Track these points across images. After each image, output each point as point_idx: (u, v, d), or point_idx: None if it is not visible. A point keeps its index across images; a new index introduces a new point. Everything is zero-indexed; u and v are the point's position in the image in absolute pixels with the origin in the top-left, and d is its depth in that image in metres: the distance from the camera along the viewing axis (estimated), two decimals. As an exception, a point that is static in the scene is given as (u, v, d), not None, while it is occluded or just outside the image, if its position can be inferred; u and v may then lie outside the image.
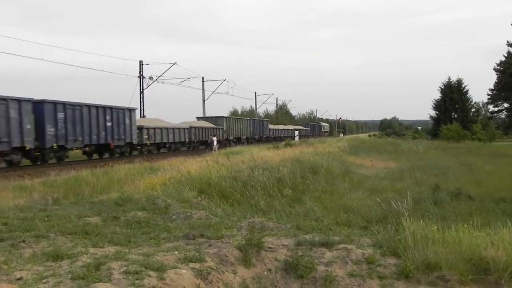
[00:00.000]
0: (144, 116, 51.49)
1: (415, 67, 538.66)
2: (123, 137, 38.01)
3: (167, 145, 46.70)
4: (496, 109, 79.21)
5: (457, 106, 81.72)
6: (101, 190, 15.49)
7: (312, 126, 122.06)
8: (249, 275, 7.21)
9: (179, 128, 48.64)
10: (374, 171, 26.47)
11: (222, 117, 62.42)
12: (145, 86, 53.92)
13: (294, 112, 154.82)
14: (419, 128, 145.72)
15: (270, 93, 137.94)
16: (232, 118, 67.80)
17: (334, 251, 7.91)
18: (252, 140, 67.79)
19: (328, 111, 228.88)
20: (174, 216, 11.42)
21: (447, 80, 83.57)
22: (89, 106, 33.83)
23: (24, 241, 8.06)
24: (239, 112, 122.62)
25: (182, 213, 11.73)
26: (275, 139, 72.66)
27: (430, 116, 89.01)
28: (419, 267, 7.21)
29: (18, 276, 6.08)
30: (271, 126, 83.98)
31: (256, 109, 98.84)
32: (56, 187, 16.27)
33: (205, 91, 66.16)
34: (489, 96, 76.92)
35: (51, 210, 11.64)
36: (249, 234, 7.97)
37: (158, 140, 44.44)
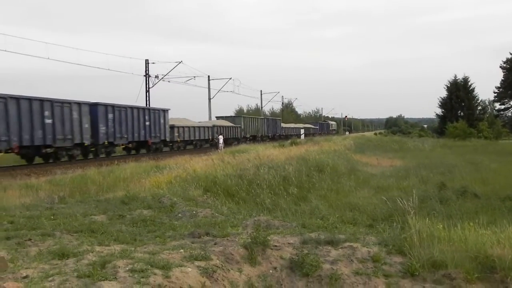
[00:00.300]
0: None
1: (421, 65, 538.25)
2: (158, 135, 42.39)
3: (193, 142, 50.06)
4: (503, 107, 79.03)
5: (463, 104, 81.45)
6: (107, 189, 15.53)
7: (321, 125, 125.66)
8: (254, 273, 7.21)
9: (204, 127, 52.78)
10: (380, 169, 26.44)
11: (240, 116, 66.90)
12: (151, 85, 53.92)
13: (299, 110, 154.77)
14: (425, 126, 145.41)
15: (276, 91, 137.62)
16: (249, 117, 70.97)
17: (340, 250, 7.90)
18: (266, 138, 70.26)
19: (334, 109, 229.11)
20: (179, 215, 11.43)
21: (453, 78, 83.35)
22: (132, 108, 38.79)
23: (30, 239, 8.09)
24: (245, 111, 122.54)
25: (187, 211, 11.74)
26: (287, 137, 74.84)
27: (436, 114, 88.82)
28: (425, 265, 7.19)
29: (24, 274, 6.10)
30: (283, 125, 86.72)
31: (261, 107, 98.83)
32: (62, 186, 16.33)
33: (210, 90, 66.21)
34: (496, 94, 76.80)
35: (57, 208, 11.68)
36: (255, 232, 7.97)
37: (186, 138, 48.20)
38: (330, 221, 10.80)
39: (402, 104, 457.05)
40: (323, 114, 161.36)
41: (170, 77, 55.94)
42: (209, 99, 65.81)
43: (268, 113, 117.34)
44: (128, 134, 37.56)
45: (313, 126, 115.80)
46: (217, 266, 6.86)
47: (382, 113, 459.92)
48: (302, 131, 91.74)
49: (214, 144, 48.87)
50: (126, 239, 8.35)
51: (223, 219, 10.85)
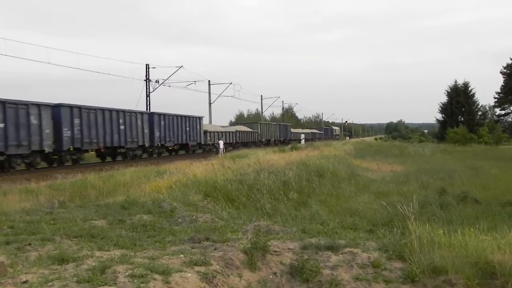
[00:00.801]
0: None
1: (421, 70, 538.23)
2: (195, 138, 49.47)
3: (217, 148, 53.00)
4: (503, 112, 79.00)
5: (463, 109, 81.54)
6: (107, 193, 15.52)
7: (325, 130, 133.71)
8: (254, 279, 7.20)
9: (229, 132, 60.02)
10: (380, 175, 26.44)
11: (257, 123, 74.68)
12: (151, 90, 53.90)
13: (300, 115, 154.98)
14: (426, 131, 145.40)
15: (276, 96, 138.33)
16: (264, 123, 79.68)
17: (340, 255, 7.89)
18: (277, 142, 76.42)
19: (334, 114, 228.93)
20: (179, 220, 11.42)
21: (454, 83, 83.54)
22: (178, 116, 45.75)
23: (30, 244, 8.09)
24: (245, 116, 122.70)
25: (187, 216, 11.73)
26: (295, 140, 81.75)
27: (437, 119, 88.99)
28: (425, 271, 7.18)
29: (24, 279, 6.09)
30: (292, 130, 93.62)
31: (262, 112, 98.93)
32: (62, 190, 16.31)
33: (211, 95, 66.29)
34: (496, 99, 76.77)
35: (57, 213, 11.67)
36: (255, 238, 7.96)
37: (212, 142, 54.25)
38: (330, 226, 10.79)
39: (403, 109, 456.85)
40: (323, 119, 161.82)
41: (170, 81, 55.98)
42: (210, 104, 65.90)
43: (268, 118, 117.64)
44: (175, 138, 44.90)
45: (318, 131, 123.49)
46: (217, 272, 6.85)
47: (383, 118, 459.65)
48: (303, 136, 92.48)
49: (213, 150, 49.12)
50: (126, 244, 8.34)
51: (223, 224, 10.84)
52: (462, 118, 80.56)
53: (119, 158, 36.86)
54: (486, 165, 29.58)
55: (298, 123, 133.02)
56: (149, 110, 50.03)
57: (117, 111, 36.04)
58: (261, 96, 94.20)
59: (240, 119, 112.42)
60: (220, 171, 19.69)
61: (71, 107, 30.64)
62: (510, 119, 78.92)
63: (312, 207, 15.01)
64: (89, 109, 32.73)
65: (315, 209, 14.63)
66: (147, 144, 39.96)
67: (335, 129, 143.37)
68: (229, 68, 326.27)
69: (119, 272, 6.30)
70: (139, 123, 38.64)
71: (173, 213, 12.03)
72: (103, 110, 34.27)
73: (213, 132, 55.20)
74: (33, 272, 6.40)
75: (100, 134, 33.50)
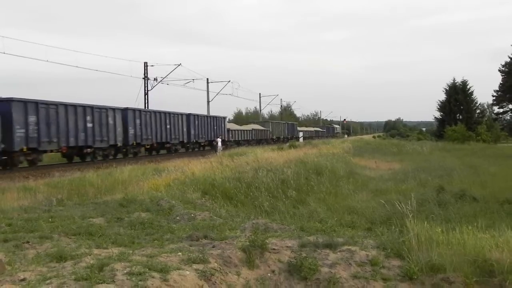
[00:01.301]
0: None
1: (419, 68, 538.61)
2: (219, 136, 53.06)
3: (240, 142, 61.56)
4: (501, 110, 78.84)
5: (461, 107, 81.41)
6: (105, 191, 15.48)
7: (327, 128, 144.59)
8: (252, 277, 7.20)
9: (246, 130, 68.62)
10: (378, 173, 26.46)
11: (269, 122, 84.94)
12: (150, 88, 53.92)
13: (298, 113, 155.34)
14: (424, 129, 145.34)
15: (275, 94, 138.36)
16: (275, 122, 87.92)
17: (338, 253, 7.89)
18: (285, 139, 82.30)
19: (332, 112, 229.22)
20: (177, 217, 11.41)
21: (452, 81, 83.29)
22: (206, 117, 53.52)
23: (28, 242, 8.08)
24: (244, 114, 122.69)
25: (185, 214, 11.72)
26: (298, 138, 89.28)
27: (435, 117, 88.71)
28: (423, 269, 7.19)
29: (22, 277, 6.08)
30: (298, 128, 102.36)
31: (260, 110, 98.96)
32: (60, 188, 16.27)
33: (209, 93, 66.28)
34: (494, 97, 76.69)
35: (55, 211, 11.66)
36: (253, 236, 7.95)
37: (236, 139, 62.45)
38: (329, 224, 10.79)
39: (401, 107, 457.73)
40: (321, 117, 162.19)
41: (169, 79, 56.19)
42: (208, 101, 65.86)
43: (267, 116, 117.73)
44: (204, 135, 51.73)
45: (321, 129, 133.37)
46: (215, 269, 6.84)
47: (381, 116, 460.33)
48: (301, 134, 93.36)
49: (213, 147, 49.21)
50: (124, 242, 8.34)
51: (221, 222, 10.84)
52: (460, 116, 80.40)
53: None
54: (484, 163, 29.60)
55: (296, 120, 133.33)
56: (148, 108, 50.02)
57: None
58: (260, 94, 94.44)
59: (238, 117, 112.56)
60: (218, 169, 19.68)
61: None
62: (508, 117, 78.83)
63: (310, 205, 15.01)
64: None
65: (313, 207, 14.63)
66: (182, 140, 46.67)
67: (336, 127, 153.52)
68: (228, 66, 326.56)
69: (117, 270, 6.29)
70: (179, 121, 45.44)
71: (171, 211, 12.03)
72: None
73: (235, 130, 64.19)
74: (31, 269, 6.39)
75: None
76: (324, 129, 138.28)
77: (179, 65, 55.18)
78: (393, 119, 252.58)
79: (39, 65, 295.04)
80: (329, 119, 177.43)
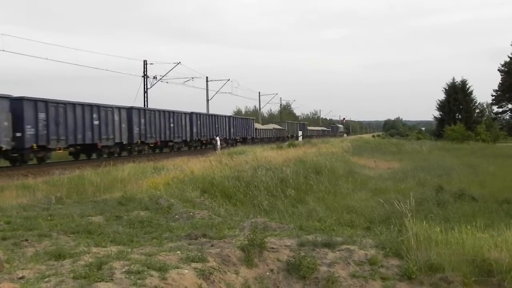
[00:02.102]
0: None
1: (419, 67, 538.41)
2: (251, 134, 69.01)
3: (264, 139, 73.78)
4: (501, 110, 79.04)
5: (461, 107, 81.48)
6: (104, 190, 15.47)
7: (332, 127, 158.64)
8: (251, 276, 7.20)
9: (269, 129, 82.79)
10: (377, 172, 26.44)
11: (285, 122, 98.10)
12: (149, 86, 53.89)
13: (297, 112, 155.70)
14: (423, 128, 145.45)
15: (274, 93, 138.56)
16: (290, 122, 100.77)
17: (337, 252, 7.90)
18: (298, 136, 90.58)
19: (332, 111, 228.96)
20: (176, 216, 11.41)
21: (451, 81, 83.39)
22: (241, 118, 68.16)
23: (26, 240, 8.09)
24: (243, 112, 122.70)
25: (184, 212, 11.72)
26: (311, 136, 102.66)
27: (434, 116, 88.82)
28: (422, 268, 7.19)
29: (20, 275, 6.09)
30: (308, 127, 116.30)
31: (259, 109, 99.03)
32: (59, 186, 16.25)
33: (209, 91, 66.27)
34: (493, 97, 76.85)
35: (54, 209, 11.65)
36: (252, 234, 7.95)
37: (262, 136, 75.04)
38: (328, 224, 10.78)
39: (400, 106, 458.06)
40: (321, 116, 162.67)
41: (168, 78, 56.00)
42: (207, 100, 65.89)
43: (266, 115, 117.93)
44: (240, 133, 64.07)
45: (326, 129, 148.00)
46: (213, 268, 6.85)
47: (380, 116, 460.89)
48: (300, 133, 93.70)
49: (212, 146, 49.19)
50: (123, 240, 8.34)
51: (220, 221, 10.83)
52: (459, 116, 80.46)
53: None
54: (483, 163, 29.60)
55: (296, 119, 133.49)
56: (147, 106, 50.04)
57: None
58: (259, 92, 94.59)
59: (238, 115, 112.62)
60: (217, 168, 19.68)
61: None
62: (507, 117, 79.00)
63: (309, 204, 14.99)
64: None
65: (312, 206, 14.61)
66: (204, 139, 52.00)
67: (339, 127, 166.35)
68: (227, 64, 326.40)
69: (116, 268, 6.29)
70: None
71: (170, 210, 12.02)
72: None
73: (260, 129, 77.17)
74: (30, 268, 6.40)
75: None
76: (329, 128, 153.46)
77: (178, 63, 55.31)
78: (392, 118, 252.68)
79: (38, 63, 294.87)
80: (328, 118, 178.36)
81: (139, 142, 39.24)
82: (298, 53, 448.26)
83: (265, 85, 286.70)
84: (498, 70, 73.74)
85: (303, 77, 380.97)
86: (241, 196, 15.57)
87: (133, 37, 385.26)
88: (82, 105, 32.37)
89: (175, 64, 55.12)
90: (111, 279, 5.95)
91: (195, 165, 21.17)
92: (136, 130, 38.43)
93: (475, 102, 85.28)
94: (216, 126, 54.98)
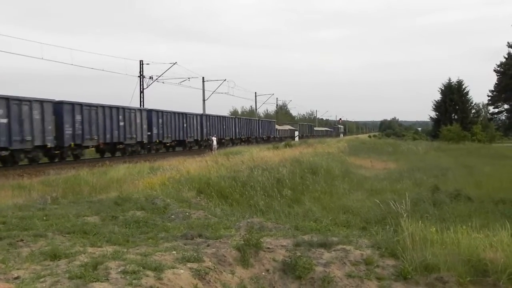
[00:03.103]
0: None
1: (415, 68, 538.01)
2: (273, 133, 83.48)
3: (282, 138, 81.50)
4: (496, 110, 79.18)
5: (457, 107, 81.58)
6: (100, 190, 15.45)
7: (334, 128, 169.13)
8: (247, 276, 7.20)
9: (285, 129, 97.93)
10: (373, 172, 26.49)
11: (297, 123, 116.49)
12: (145, 86, 53.74)
13: (294, 112, 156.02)
14: (419, 129, 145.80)
15: (270, 93, 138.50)
16: (301, 123, 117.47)
17: (333, 252, 7.91)
18: (306, 136, 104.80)
19: (328, 111, 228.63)
20: (172, 216, 11.40)
21: (447, 81, 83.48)
22: (265, 121, 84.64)
23: (22, 240, 8.07)
24: (239, 112, 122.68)
25: (180, 213, 11.71)
26: (315, 136, 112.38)
27: (430, 117, 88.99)
28: (418, 268, 7.21)
29: (16, 275, 6.07)
30: (315, 128, 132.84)
31: (256, 109, 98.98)
32: (55, 186, 16.23)
33: (205, 91, 66.13)
34: (489, 97, 76.95)
35: (50, 209, 11.62)
36: (248, 234, 7.96)
37: (279, 136, 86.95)
38: (324, 224, 10.80)
39: (397, 106, 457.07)
40: (317, 117, 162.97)
41: (164, 78, 56.17)
42: (204, 100, 65.75)
43: (262, 115, 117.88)
44: (266, 133, 78.73)
45: (329, 129, 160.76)
46: (209, 268, 6.84)
47: (377, 116, 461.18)
48: (297, 133, 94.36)
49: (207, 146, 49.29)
50: (118, 241, 8.33)
51: (216, 221, 10.84)
52: (455, 116, 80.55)
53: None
54: (479, 163, 29.69)
55: (292, 120, 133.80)
56: (143, 106, 50.04)
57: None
58: (255, 93, 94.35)
59: (234, 116, 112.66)
60: (213, 168, 19.66)
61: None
62: (503, 117, 79.12)
63: (305, 204, 15.01)
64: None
65: (308, 206, 14.63)
66: (230, 138, 60.89)
67: (340, 127, 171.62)
68: (223, 65, 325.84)
69: (111, 268, 6.29)
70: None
71: (166, 210, 12.01)
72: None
73: (279, 129, 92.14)
74: (25, 268, 6.39)
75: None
76: (332, 128, 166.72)
77: (174, 63, 55.10)
78: (388, 118, 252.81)
79: (34, 63, 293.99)
80: (324, 119, 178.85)
81: (157, 141, 42.91)
82: (295, 54, 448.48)
83: (261, 86, 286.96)
84: (494, 70, 73.85)
85: (300, 77, 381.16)
86: (237, 196, 15.56)
87: (129, 37, 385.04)
88: (110, 107, 36.03)
89: (171, 64, 54.96)
90: (107, 279, 5.95)
91: (191, 165, 21.16)
92: (155, 130, 42.04)
93: (471, 103, 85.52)
94: (224, 126, 60.17)
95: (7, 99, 26.10)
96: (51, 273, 6.11)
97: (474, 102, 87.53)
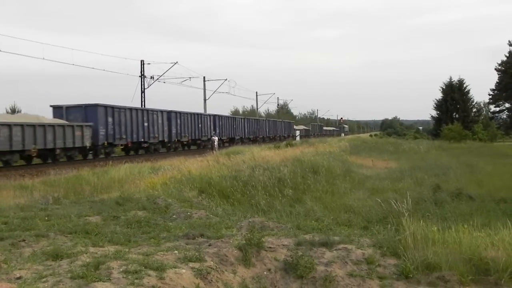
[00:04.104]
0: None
1: (416, 66, 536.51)
2: (289, 133, 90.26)
3: (300, 138, 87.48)
4: (498, 109, 79.30)
5: (458, 106, 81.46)
6: (101, 190, 15.48)
7: (340, 127, 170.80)
8: (248, 275, 7.21)
9: (301, 129, 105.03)
10: (375, 171, 26.47)
11: (310, 123, 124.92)
12: (146, 86, 53.77)
13: (295, 111, 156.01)
14: (420, 128, 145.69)
15: (271, 92, 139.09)
16: (313, 124, 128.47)
17: (334, 251, 7.92)
18: (317, 135, 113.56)
19: (329, 110, 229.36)
20: (174, 216, 11.42)
21: (449, 80, 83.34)
22: (282, 121, 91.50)
23: (24, 240, 8.08)
24: (240, 112, 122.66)
25: (182, 212, 11.73)
26: (324, 135, 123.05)
27: (431, 116, 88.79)
28: (419, 267, 7.21)
29: (18, 275, 6.09)
30: (324, 128, 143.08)
31: (257, 109, 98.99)
32: (56, 186, 16.24)
33: (206, 91, 66.08)
34: (490, 96, 76.97)
35: (52, 209, 11.65)
36: (249, 234, 7.97)
37: (296, 134, 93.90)
38: (325, 223, 10.81)
39: (398, 105, 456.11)
40: (318, 116, 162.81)
41: (165, 78, 55.90)
42: (205, 100, 65.72)
43: (263, 114, 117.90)
44: (288, 132, 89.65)
45: (336, 129, 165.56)
46: (211, 268, 6.85)
47: (378, 115, 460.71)
48: (298, 132, 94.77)
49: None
50: (120, 240, 8.34)
51: (218, 221, 10.85)
52: (457, 115, 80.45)
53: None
54: (480, 162, 29.64)
55: (293, 119, 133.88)
56: (144, 106, 50.10)
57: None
58: (256, 92, 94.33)
59: (235, 115, 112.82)
60: (215, 168, 19.66)
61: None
62: (504, 116, 79.09)
63: (307, 204, 15.01)
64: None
65: (309, 205, 14.63)
66: (245, 136, 65.82)
67: (345, 127, 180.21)
68: (225, 64, 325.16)
69: (113, 268, 6.30)
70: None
71: (168, 210, 12.03)
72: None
73: (296, 129, 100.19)
74: (27, 268, 6.40)
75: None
76: (338, 128, 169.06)
77: (175, 63, 55.06)
78: (389, 117, 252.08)
79: (35, 63, 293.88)
80: (325, 118, 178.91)
81: (176, 140, 45.97)
82: (296, 53, 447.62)
83: (262, 85, 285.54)
84: (495, 69, 73.88)
85: (301, 76, 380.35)
86: (239, 195, 15.57)
87: (130, 37, 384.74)
88: (136, 109, 39.88)
89: (172, 64, 54.94)
90: (109, 279, 5.96)
91: (193, 165, 21.15)
92: (174, 130, 45.28)
93: (472, 101, 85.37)
94: (234, 126, 63.74)
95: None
96: (53, 273, 6.12)
97: (475, 101, 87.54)
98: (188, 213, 11.65)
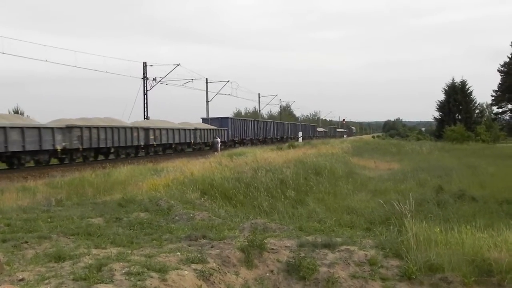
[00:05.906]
0: (148, 118, 51.62)
1: (418, 67, 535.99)
2: (314, 133, 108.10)
3: (318, 137, 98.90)
4: (500, 110, 79.05)
5: (461, 107, 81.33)
6: (104, 191, 15.48)
7: (348, 129, 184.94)
8: (251, 277, 7.21)
9: (320, 130, 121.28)
10: (377, 173, 26.42)
11: (327, 126, 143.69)
12: (148, 88, 53.89)
13: (297, 113, 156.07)
14: (423, 129, 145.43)
15: (274, 94, 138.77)
16: (330, 126, 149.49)
17: (337, 253, 7.91)
18: (331, 136, 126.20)
19: (331, 112, 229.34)
20: (176, 217, 11.42)
21: (451, 81, 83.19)
22: (310, 125, 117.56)
23: (26, 242, 8.09)
24: (243, 113, 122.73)
25: (184, 214, 11.73)
26: (335, 136, 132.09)
27: (434, 117, 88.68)
28: (422, 268, 7.21)
29: (20, 277, 6.09)
30: (337, 130, 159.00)
31: (259, 110, 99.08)
32: (59, 188, 16.28)
33: (208, 93, 66.23)
34: (493, 97, 76.85)
35: (54, 211, 11.66)
36: (252, 236, 7.97)
37: (317, 136, 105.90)
38: (327, 224, 10.81)
39: (400, 107, 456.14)
40: (321, 117, 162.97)
41: (168, 79, 56.04)
42: (207, 102, 65.82)
43: (266, 116, 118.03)
44: (312, 134, 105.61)
45: (345, 131, 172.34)
46: (213, 269, 6.85)
47: (380, 116, 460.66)
48: (300, 134, 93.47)
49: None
50: (122, 242, 8.35)
51: (220, 222, 10.85)
52: (459, 116, 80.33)
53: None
54: (483, 163, 29.55)
55: (296, 121, 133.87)
56: (147, 108, 50.25)
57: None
58: (259, 94, 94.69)
59: (238, 117, 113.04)
60: (217, 169, 19.66)
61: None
62: (507, 117, 78.99)
63: (309, 205, 14.99)
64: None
65: (312, 207, 14.62)
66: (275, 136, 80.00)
67: (353, 128, 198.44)
68: (227, 66, 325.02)
69: (115, 270, 6.30)
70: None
71: (170, 211, 12.03)
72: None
73: (319, 130, 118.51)
74: (30, 269, 6.41)
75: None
76: (347, 130, 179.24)
77: (178, 65, 55.22)
78: (392, 119, 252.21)
79: (38, 65, 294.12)
80: (328, 119, 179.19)
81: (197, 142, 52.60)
82: (298, 54, 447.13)
83: (264, 86, 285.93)
84: (498, 70, 73.81)
85: (303, 78, 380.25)
86: (241, 197, 15.55)
87: (132, 39, 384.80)
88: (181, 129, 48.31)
89: (175, 66, 55.13)
90: (111, 280, 5.96)
91: (195, 166, 21.17)
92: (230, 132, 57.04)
93: (475, 103, 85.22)
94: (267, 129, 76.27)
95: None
96: (56, 275, 6.12)
97: (477, 102, 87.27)
98: (191, 215, 11.65)
